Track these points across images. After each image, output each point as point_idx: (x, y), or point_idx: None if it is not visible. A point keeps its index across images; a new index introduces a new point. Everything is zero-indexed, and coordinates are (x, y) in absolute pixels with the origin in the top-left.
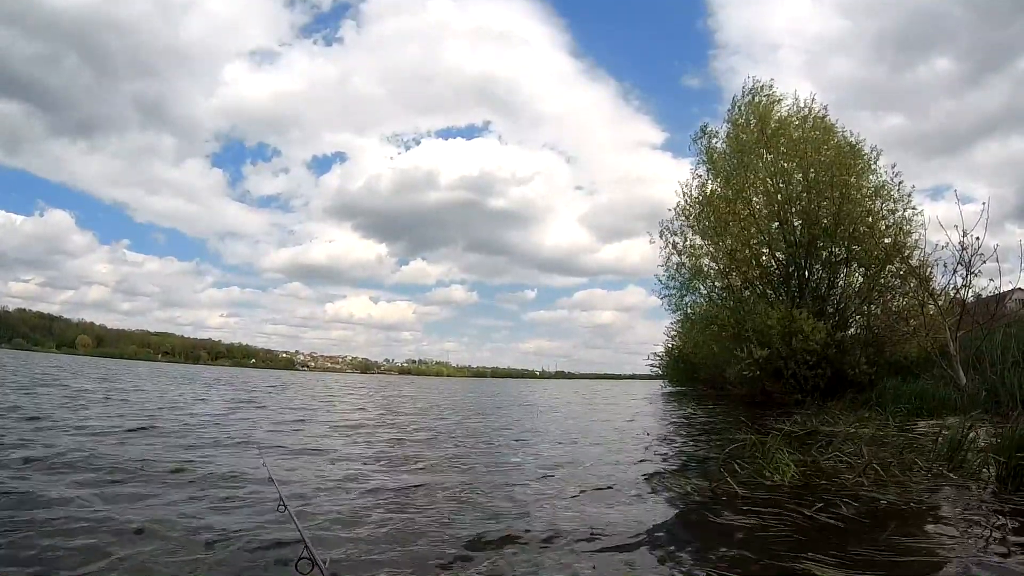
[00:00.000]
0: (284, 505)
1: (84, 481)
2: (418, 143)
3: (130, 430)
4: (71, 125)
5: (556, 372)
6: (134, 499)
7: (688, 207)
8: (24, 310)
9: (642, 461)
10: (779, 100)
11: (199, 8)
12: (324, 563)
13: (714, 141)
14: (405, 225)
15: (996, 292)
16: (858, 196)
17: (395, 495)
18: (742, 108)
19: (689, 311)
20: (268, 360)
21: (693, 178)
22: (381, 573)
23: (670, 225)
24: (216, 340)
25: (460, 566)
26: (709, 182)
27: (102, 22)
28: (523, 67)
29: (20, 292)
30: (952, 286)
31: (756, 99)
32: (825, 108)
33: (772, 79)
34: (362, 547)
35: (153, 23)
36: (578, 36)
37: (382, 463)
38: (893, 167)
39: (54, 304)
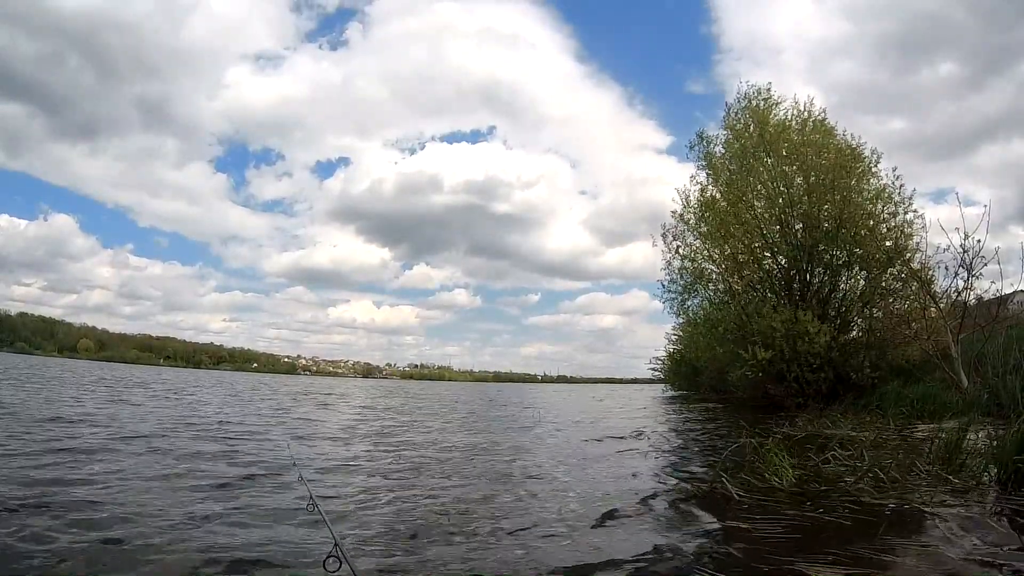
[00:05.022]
0: (314, 503)
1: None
2: (422, 147)
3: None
4: (73, 127)
5: (558, 376)
6: (164, 491)
7: (688, 211)
8: (26, 314)
9: (642, 464)
10: (777, 103)
11: (203, 10)
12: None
13: (712, 147)
14: (408, 229)
15: (998, 294)
16: (859, 199)
17: (420, 496)
18: (739, 113)
19: (691, 315)
20: (269, 364)
21: (693, 183)
22: (406, 570)
23: (671, 229)
24: (218, 344)
25: (478, 560)
26: (709, 187)
27: (105, 23)
28: (528, 72)
29: (22, 296)
30: (953, 289)
31: (753, 103)
32: (824, 111)
33: (769, 83)
34: (388, 546)
35: (156, 24)
36: (583, 41)
37: (407, 471)
38: (894, 170)
39: (56, 308)
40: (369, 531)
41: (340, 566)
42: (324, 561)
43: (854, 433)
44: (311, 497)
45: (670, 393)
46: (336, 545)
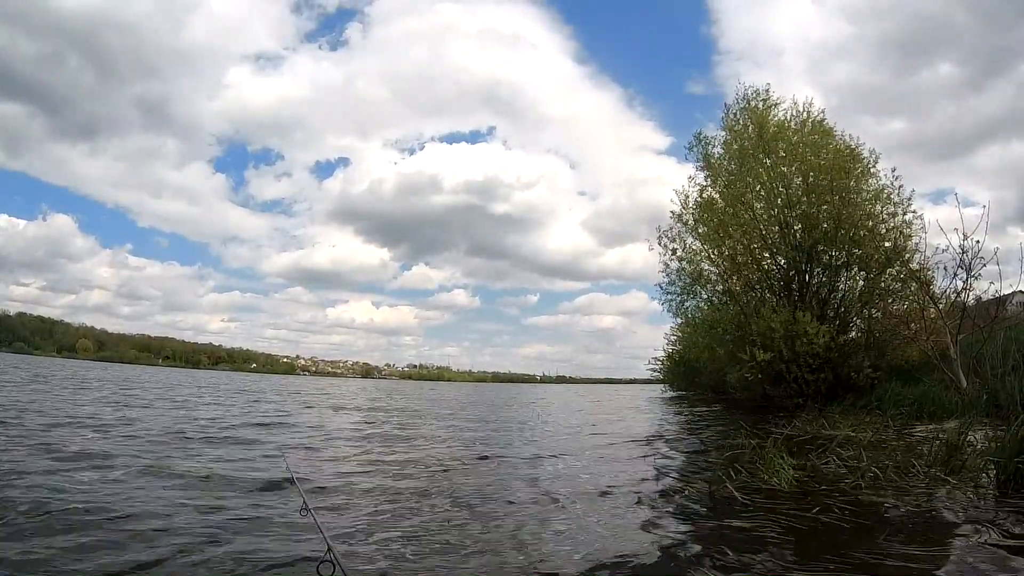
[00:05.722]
0: (307, 508)
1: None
2: (422, 148)
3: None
4: (73, 127)
5: (557, 377)
6: (157, 497)
7: (686, 213)
8: (25, 314)
9: (642, 466)
10: (776, 104)
11: (203, 10)
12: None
13: (711, 148)
14: (408, 229)
15: (997, 295)
16: (858, 200)
17: (416, 502)
18: (737, 114)
19: (690, 316)
20: (268, 365)
21: (691, 185)
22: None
23: (668, 232)
24: (216, 345)
25: (475, 567)
26: (708, 188)
27: (105, 23)
28: (528, 72)
29: (21, 296)
30: (952, 289)
31: (752, 104)
32: (822, 112)
33: (768, 84)
34: (382, 551)
35: (156, 24)
36: (583, 42)
37: (408, 480)
38: (893, 171)
39: (55, 308)
40: (366, 540)
41: (334, 571)
42: (318, 566)
43: (853, 434)
44: (305, 503)
45: (669, 394)
46: (329, 550)
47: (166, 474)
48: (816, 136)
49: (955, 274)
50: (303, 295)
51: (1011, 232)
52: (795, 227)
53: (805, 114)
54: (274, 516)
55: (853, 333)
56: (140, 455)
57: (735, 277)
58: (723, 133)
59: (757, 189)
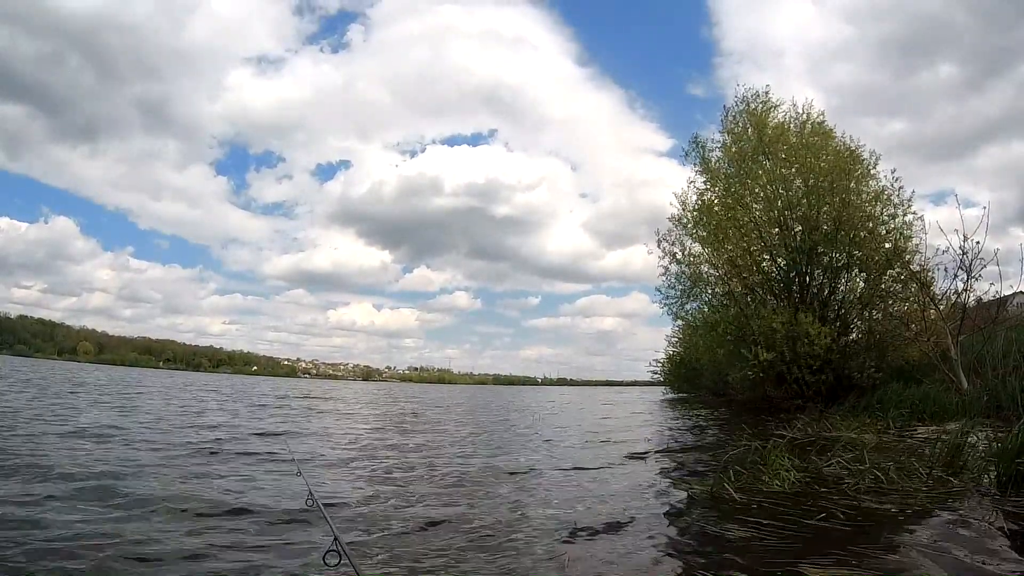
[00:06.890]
0: (313, 499)
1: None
2: (423, 150)
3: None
4: (73, 129)
5: (558, 379)
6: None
7: (686, 215)
8: (26, 316)
9: (644, 467)
10: (775, 106)
11: (204, 12)
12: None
13: (709, 151)
14: (409, 232)
15: (997, 296)
16: (858, 201)
17: (422, 502)
18: (737, 116)
19: (691, 318)
20: (269, 367)
21: (689, 187)
22: (405, 566)
23: (667, 236)
24: (218, 347)
25: (481, 561)
26: (707, 191)
27: (105, 23)
28: (529, 74)
29: (22, 298)
30: (953, 290)
31: (752, 106)
32: (822, 114)
33: (767, 86)
34: (388, 543)
35: (157, 25)
36: (584, 44)
37: (411, 468)
38: (893, 172)
39: (56, 311)
40: (372, 532)
41: (340, 560)
42: (324, 555)
43: (854, 435)
44: (311, 493)
45: (670, 396)
46: (336, 540)
47: (170, 476)
48: (816, 138)
49: (955, 275)
50: (304, 297)
51: (1012, 233)
52: (795, 229)
53: (805, 116)
54: (280, 508)
55: (854, 334)
56: (144, 460)
57: (735, 280)
58: (721, 136)
59: (756, 191)
